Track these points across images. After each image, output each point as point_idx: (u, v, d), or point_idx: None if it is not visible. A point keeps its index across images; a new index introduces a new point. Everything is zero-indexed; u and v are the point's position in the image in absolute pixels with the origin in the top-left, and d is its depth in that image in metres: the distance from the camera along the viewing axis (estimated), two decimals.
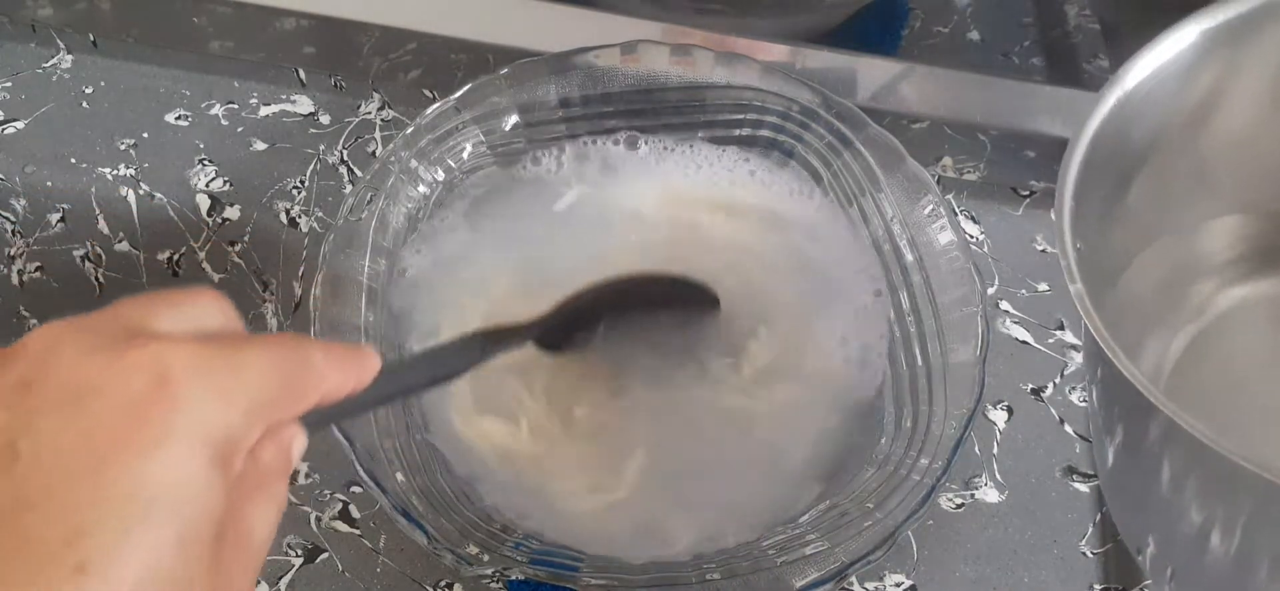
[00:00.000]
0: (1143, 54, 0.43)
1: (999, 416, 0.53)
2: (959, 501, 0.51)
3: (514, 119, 0.52)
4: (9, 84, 0.61)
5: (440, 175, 0.51)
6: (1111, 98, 0.43)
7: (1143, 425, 0.41)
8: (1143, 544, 0.45)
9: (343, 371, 0.32)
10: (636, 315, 0.48)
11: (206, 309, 0.30)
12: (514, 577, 0.42)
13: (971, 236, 0.58)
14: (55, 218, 0.57)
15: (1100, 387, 0.45)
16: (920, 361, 0.47)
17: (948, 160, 0.58)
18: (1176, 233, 0.49)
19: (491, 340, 0.41)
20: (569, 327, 0.46)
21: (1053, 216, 0.41)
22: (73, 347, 0.28)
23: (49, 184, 0.58)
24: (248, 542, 0.29)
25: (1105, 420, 0.45)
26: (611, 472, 0.46)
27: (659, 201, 0.52)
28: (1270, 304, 0.50)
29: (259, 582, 0.48)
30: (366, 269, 0.48)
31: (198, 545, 0.27)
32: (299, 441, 0.31)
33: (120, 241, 0.56)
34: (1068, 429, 0.53)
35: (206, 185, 0.58)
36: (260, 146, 0.59)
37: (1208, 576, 0.43)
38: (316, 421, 0.32)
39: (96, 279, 0.55)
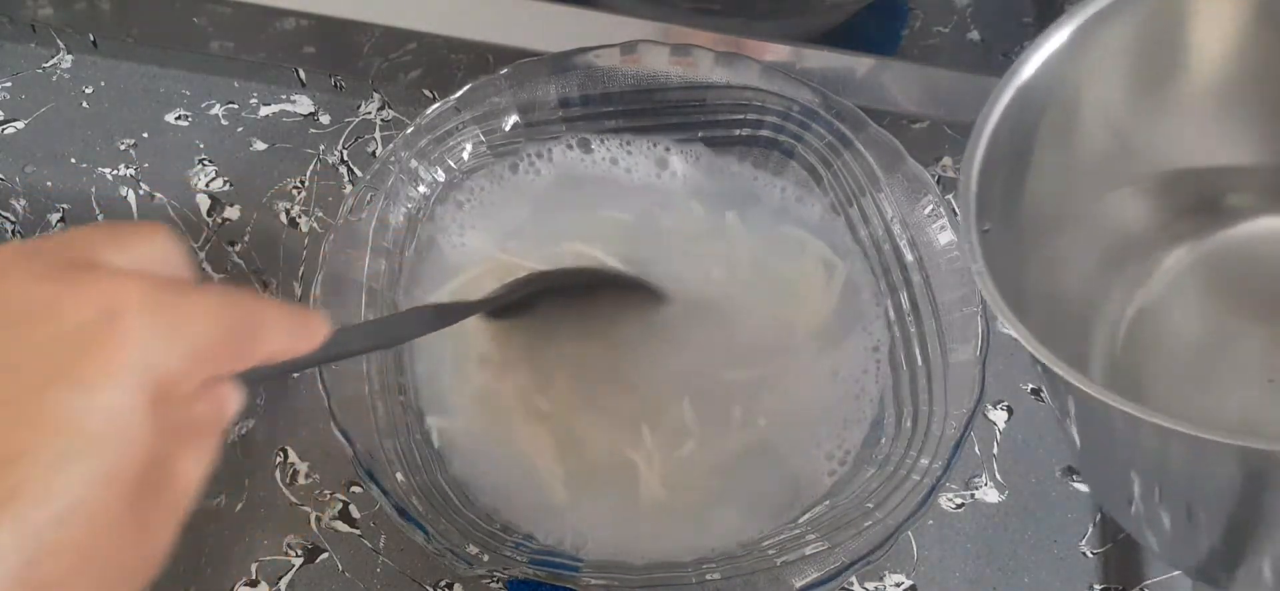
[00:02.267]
0: (1038, 43, 0.45)
1: (999, 416, 0.53)
2: (959, 501, 0.51)
3: (514, 119, 0.52)
4: (9, 84, 0.61)
5: (440, 175, 0.51)
6: (1011, 86, 0.44)
7: (1084, 405, 0.42)
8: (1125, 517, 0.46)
9: (290, 334, 0.31)
10: (581, 304, 0.49)
11: (157, 246, 0.30)
12: (514, 577, 0.42)
13: None
14: (55, 218, 0.57)
15: (1047, 374, 0.46)
16: (920, 361, 0.47)
17: (948, 160, 0.58)
18: (1094, 205, 0.50)
19: (441, 312, 0.43)
20: (517, 309, 0.47)
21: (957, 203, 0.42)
22: (20, 272, 0.27)
23: (49, 184, 0.58)
24: (171, 490, 0.29)
25: (1058, 406, 0.45)
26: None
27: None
28: (1206, 262, 0.51)
29: (259, 582, 0.48)
30: (366, 269, 0.48)
31: (123, 483, 0.27)
32: (233, 400, 0.30)
33: None
34: None
35: (206, 185, 0.58)
36: (260, 146, 0.59)
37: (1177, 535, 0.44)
38: (256, 378, 0.31)
39: None
